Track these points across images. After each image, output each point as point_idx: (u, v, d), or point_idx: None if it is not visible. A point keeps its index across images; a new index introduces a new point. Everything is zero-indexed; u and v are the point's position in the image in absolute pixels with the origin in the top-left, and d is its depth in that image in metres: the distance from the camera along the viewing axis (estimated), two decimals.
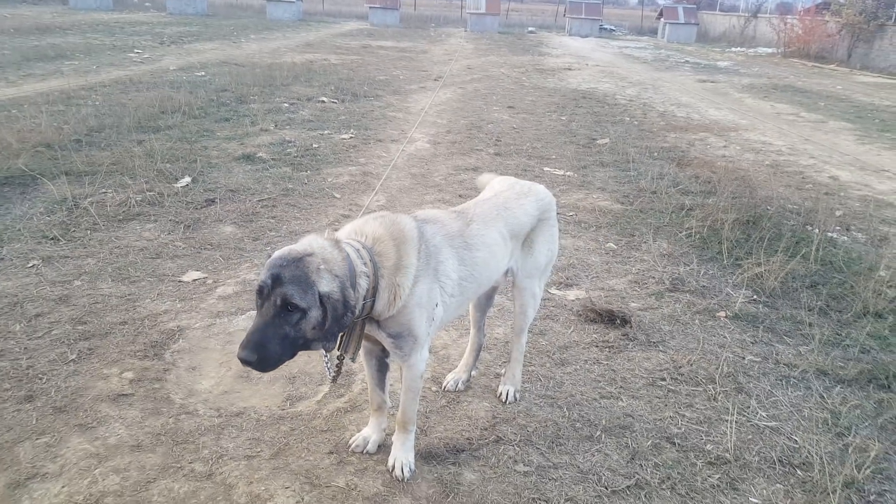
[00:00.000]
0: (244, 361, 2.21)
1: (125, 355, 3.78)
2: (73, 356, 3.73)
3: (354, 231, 2.61)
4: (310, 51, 21.18)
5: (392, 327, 2.64)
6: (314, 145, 9.01)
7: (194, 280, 4.82)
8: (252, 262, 5.17)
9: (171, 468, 2.90)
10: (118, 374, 3.58)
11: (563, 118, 12.10)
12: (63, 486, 2.76)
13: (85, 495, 2.71)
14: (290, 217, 6.25)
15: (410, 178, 7.84)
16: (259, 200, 6.60)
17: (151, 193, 6.46)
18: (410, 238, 2.61)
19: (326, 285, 2.26)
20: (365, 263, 2.46)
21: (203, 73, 14.36)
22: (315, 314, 2.26)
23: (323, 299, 2.25)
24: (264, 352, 2.21)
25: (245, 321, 4.24)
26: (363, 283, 2.45)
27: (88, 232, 5.56)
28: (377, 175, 7.80)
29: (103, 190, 6.51)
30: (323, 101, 12.33)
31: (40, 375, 3.53)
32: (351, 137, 9.70)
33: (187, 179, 7.05)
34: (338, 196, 6.96)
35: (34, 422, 3.15)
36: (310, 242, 2.39)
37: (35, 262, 4.91)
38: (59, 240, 5.33)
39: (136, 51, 17.88)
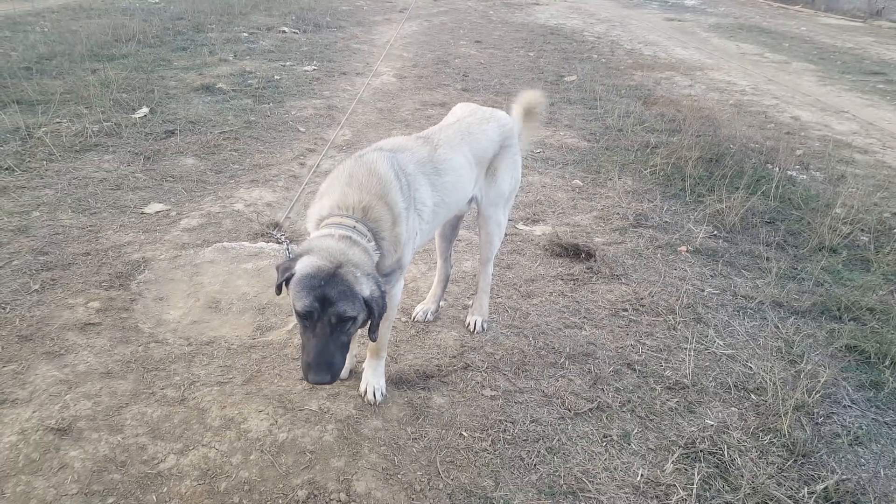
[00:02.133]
0: (320, 383, 2.36)
1: (90, 285, 3.73)
2: (36, 286, 3.66)
3: (338, 206, 2.52)
4: None
5: (387, 268, 2.66)
6: (276, 77, 8.76)
7: (157, 212, 4.73)
8: (216, 195, 5.08)
9: (143, 394, 2.92)
10: (84, 304, 3.54)
11: (531, 54, 11.94)
12: (34, 412, 2.76)
13: (57, 419, 2.72)
14: (254, 150, 6.12)
15: (377, 112, 7.72)
16: (220, 133, 6.44)
17: (108, 124, 6.26)
18: (391, 183, 2.57)
19: (368, 288, 2.32)
20: (369, 240, 2.47)
21: (157, 1, 13.71)
22: (363, 316, 2.36)
23: (368, 302, 2.32)
24: (334, 367, 2.31)
25: (212, 253, 4.20)
26: (375, 258, 2.49)
27: (44, 162, 5.38)
28: (342, 109, 7.65)
29: (58, 119, 6.27)
30: (284, 32, 11.93)
31: (3, 305, 3.47)
32: (314, 69, 9.45)
33: (145, 110, 6.82)
34: (302, 130, 6.83)
35: (0, 350, 3.11)
36: (326, 248, 2.34)
37: None
38: (14, 170, 5.15)
39: None
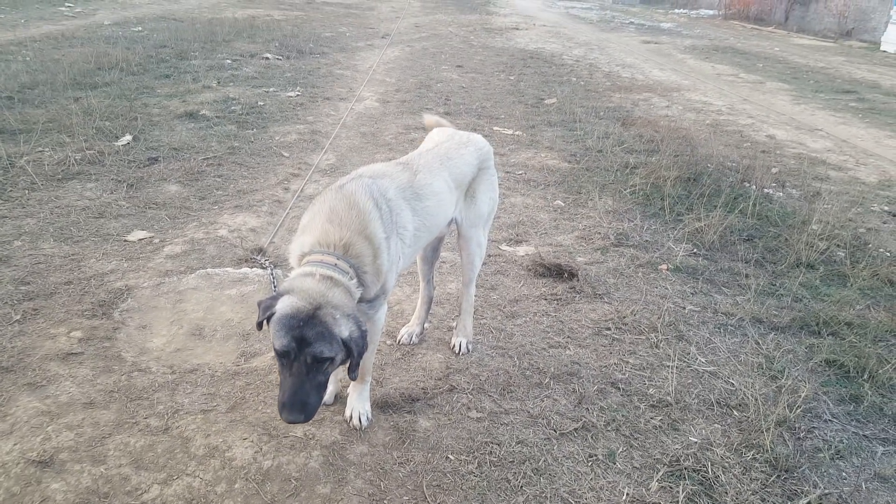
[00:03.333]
0: (294, 422, 2.33)
1: (72, 315, 3.71)
2: (18, 316, 3.64)
3: (319, 243, 2.54)
4: (252, 6, 20.48)
5: (371, 296, 2.67)
6: (260, 103, 8.81)
7: (140, 239, 4.72)
8: (199, 221, 5.08)
9: (126, 423, 2.90)
10: (66, 334, 3.52)
11: (512, 78, 12.10)
12: (15, 444, 2.72)
13: (38, 451, 2.69)
14: (238, 176, 6.14)
15: (360, 136, 7.77)
16: (204, 159, 6.45)
17: (91, 152, 6.25)
18: (371, 214, 2.58)
19: (346, 329, 2.33)
20: (351, 277, 2.49)
21: (140, 29, 13.77)
22: (341, 356, 2.36)
23: (346, 343, 2.34)
24: (308, 407, 2.31)
25: (195, 280, 4.20)
26: (357, 294, 2.51)
27: (26, 192, 5.35)
28: (326, 134, 7.71)
29: (40, 148, 6.25)
30: (267, 58, 12.00)
31: None
32: (298, 95, 9.51)
33: (128, 137, 6.82)
34: (286, 155, 6.86)
35: None
36: (306, 289, 2.35)
37: None
38: None
39: (67, 4, 16.98)
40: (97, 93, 8.44)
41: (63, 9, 16.20)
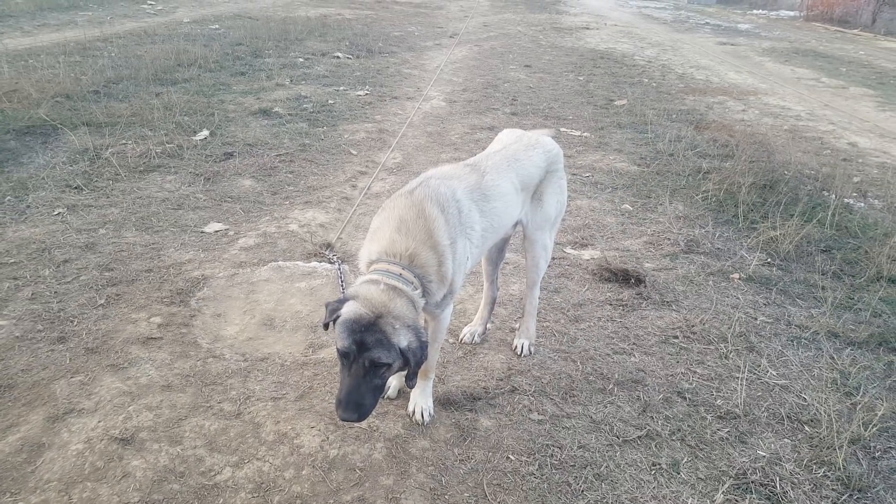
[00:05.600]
0: (347, 421, 2.44)
1: (152, 301, 3.89)
2: (102, 301, 3.84)
3: (386, 252, 2.62)
4: (324, 5, 20.90)
5: (438, 298, 2.73)
6: (330, 101, 9.00)
7: (216, 231, 4.91)
8: (271, 216, 5.24)
9: (202, 407, 3.03)
10: (146, 319, 3.70)
11: (581, 78, 11.97)
12: (99, 421, 2.89)
13: (121, 429, 2.84)
14: (308, 172, 6.30)
15: (426, 136, 7.85)
16: (277, 155, 6.65)
17: (171, 146, 6.52)
18: (436, 222, 2.64)
19: (405, 339, 2.41)
20: (415, 287, 2.56)
21: (217, 27, 14.26)
22: (398, 364, 2.44)
23: (404, 352, 2.42)
24: (363, 408, 2.41)
25: (268, 272, 4.34)
26: (421, 304, 2.59)
27: (111, 182, 5.64)
28: (393, 132, 7.81)
29: (123, 141, 6.57)
30: (338, 57, 12.25)
31: (71, 318, 3.65)
32: (366, 94, 9.67)
33: (205, 133, 7.09)
34: (354, 153, 6.99)
35: (68, 361, 3.28)
36: (370, 297, 2.44)
37: (60, 210, 5.01)
38: (82, 189, 5.42)
39: (149, 2, 17.74)
40: (177, 88, 8.80)
41: (145, 6, 16.93)
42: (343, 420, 2.42)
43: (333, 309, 2.48)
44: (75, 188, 5.43)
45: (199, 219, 5.10)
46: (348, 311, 2.42)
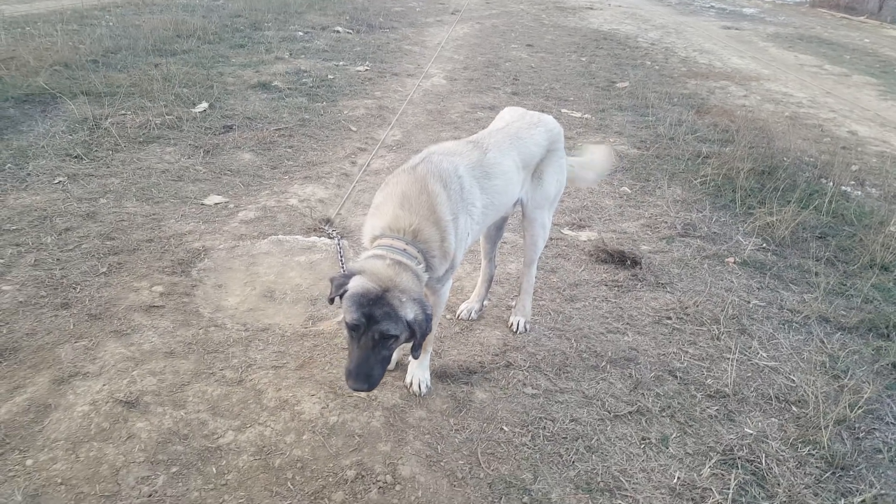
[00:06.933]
0: (358, 390, 2.53)
1: (153, 270, 3.94)
2: (104, 269, 3.89)
3: (390, 228, 2.67)
4: None
5: (440, 272, 2.79)
6: (329, 76, 8.97)
7: (216, 204, 4.94)
8: (271, 190, 5.27)
9: (204, 374, 3.10)
10: (148, 288, 3.75)
11: (583, 59, 11.94)
12: (104, 385, 2.95)
13: (125, 393, 2.91)
14: (307, 147, 6.31)
15: (426, 113, 7.85)
16: (276, 129, 6.65)
17: (170, 117, 6.52)
18: (439, 198, 2.69)
19: (411, 312, 2.47)
20: (419, 262, 2.61)
21: None
22: (405, 335, 2.51)
23: (411, 325, 2.48)
24: (372, 379, 2.48)
25: (268, 245, 4.38)
26: (425, 278, 2.64)
27: (110, 152, 5.65)
28: (393, 109, 7.81)
29: (123, 111, 6.57)
30: (338, 31, 12.18)
31: (74, 285, 3.69)
32: (366, 70, 9.65)
33: (205, 105, 7.09)
34: (354, 129, 7.00)
35: (72, 327, 3.33)
36: (376, 271, 2.49)
37: (61, 178, 5.03)
38: (82, 158, 5.44)
39: None
40: (176, 59, 8.77)
41: None
42: (354, 390, 2.49)
43: (340, 283, 2.53)
44: (75, 157, 5.45)
45: (199, 191, 5.12)
46: (356, 285, 2.47)
